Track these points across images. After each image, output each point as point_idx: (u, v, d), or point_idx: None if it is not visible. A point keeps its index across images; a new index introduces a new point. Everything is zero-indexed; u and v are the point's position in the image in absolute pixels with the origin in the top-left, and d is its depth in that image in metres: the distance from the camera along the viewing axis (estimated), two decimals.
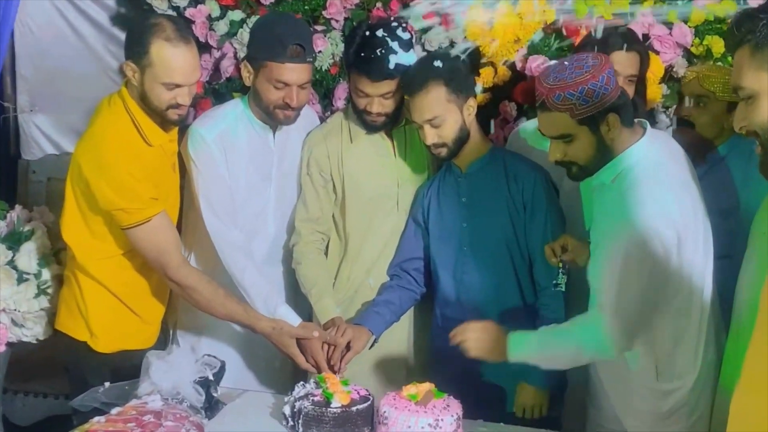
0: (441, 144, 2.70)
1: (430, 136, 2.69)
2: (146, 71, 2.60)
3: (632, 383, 2.40)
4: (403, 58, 2.74)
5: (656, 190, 2.20)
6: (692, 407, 2.34)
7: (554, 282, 2.58)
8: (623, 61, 2.73)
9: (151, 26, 2.62)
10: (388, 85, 2.76)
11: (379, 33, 2.76)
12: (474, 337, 2.47)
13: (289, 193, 2.99)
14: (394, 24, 2.83)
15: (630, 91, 2.70)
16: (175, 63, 2.58)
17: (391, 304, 2.86)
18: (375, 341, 2.82)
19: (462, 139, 2.72)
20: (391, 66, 2.72)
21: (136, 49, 2.61)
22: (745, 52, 1.49)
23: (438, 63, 2.68)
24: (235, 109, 2.89)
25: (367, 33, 2.78)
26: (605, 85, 2.23)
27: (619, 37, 2.81)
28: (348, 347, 2.72)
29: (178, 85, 2.61)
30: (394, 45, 2.73)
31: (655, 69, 3.11)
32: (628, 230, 2.19)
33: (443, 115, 2.66)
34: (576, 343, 2.37)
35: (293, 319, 2.73)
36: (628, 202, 2.21)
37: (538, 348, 2.42)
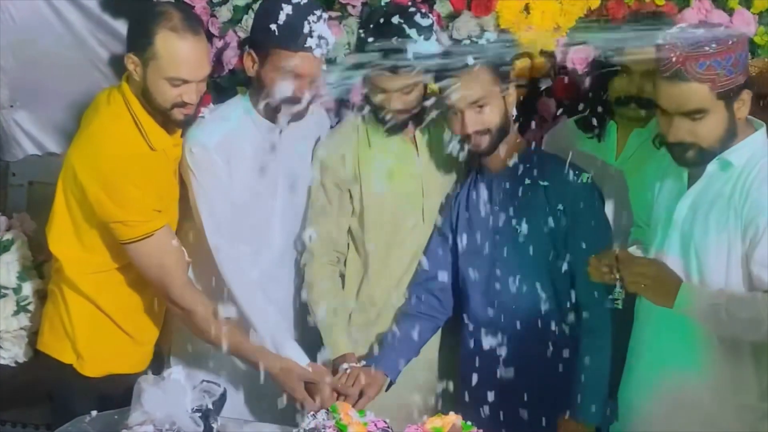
0: (484, 130, 2.69)
1: (472, 123, 2.68)
2: (149, 64, 2.61)
3: (727, 403, 2.42)
4: (422, 46, 2.73)
5: None
6: None
7: (611, 297, 2.54)
8: None
9: (156, 15, 2.64)
10: (408, 78, 2.76)
11: (395, 20, 2.75)
12: (638, 271, 2.38)
13: (297, 200, 2.98)
14: (412, 9, 2.85)
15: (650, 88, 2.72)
16: (181, 56, 2.59)
17: (410, 339, 2.85)
18: (391, 384, 2.81)
19: (504, 128, 2.73)
20: (410, 56, 2.71)
21: (138, 40, 2.63)
22: None
23: (482, 42, 2.73)
24: (237, 108, 2.88)
25: (382, 20, 2.78)
26: (747, 57, 2.33)
27: None
28: (360, 394, 2.72)
29: (184, 81, 2.61)
30: (412, 32, 2.73)
31: None
32: None
33: (488, 98, 2.67)
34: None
35: (301, 359, 2.74)
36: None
37: (714, 302, 2.34)
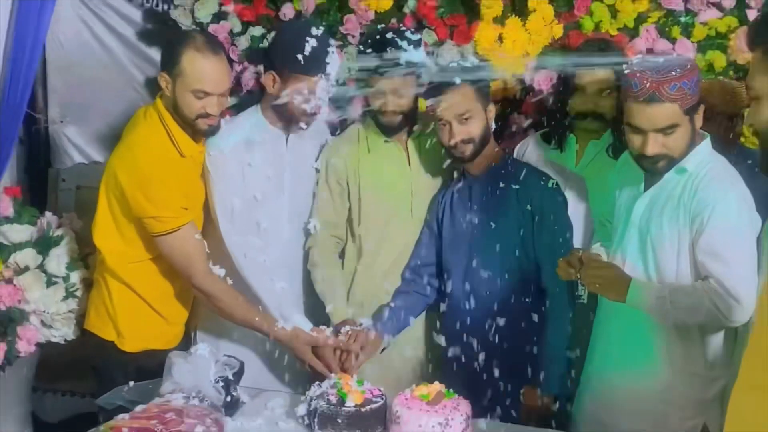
0: (469, 139, 2.71)
1: (459, 132, 2.69)
2: (177, 80, 2.64)
3: (679, 372, 2.47)
4: (413, 55, 2.80)
5: (736, 174, 2.39)
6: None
7: (577, 294, 2.57)
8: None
9: (183, 38, 2.69)
10: (401, 81, 2.79)
11: (389, 35, 2.82)
12: (593, 274, 2.42)
13: (302, 198, 2.99)
14: (403, 28, 2.94)
15: (605, 104, 2.84)
16: (203, 71, 2.62)
17: (404, 309, 2.86)
18: (387, 346, 2.83)
19: (485, 139, 2.74)
20: (401, 62, 2.76)
21: (169, 60, 2.66)
22: (757, 55, 1.50)
23: (467, 64, 2.76)
24: (250, 118, 2.89)
25: (378, 36, 2.85)
26: (701, 77, 2.39)
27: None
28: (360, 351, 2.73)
29: (207, 93, 2.63)
30: (404, 44, 2.78)
31: None
32: (738, 203, 2.34)
33: (472, 111, 2.69)
34: (707, 303, 2.33)
35: (307, 326, 2.75)
36: (725, 182, 2.36)
37: (660, 295, 2.38)
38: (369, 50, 2.82)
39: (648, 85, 2.31)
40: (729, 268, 2.32)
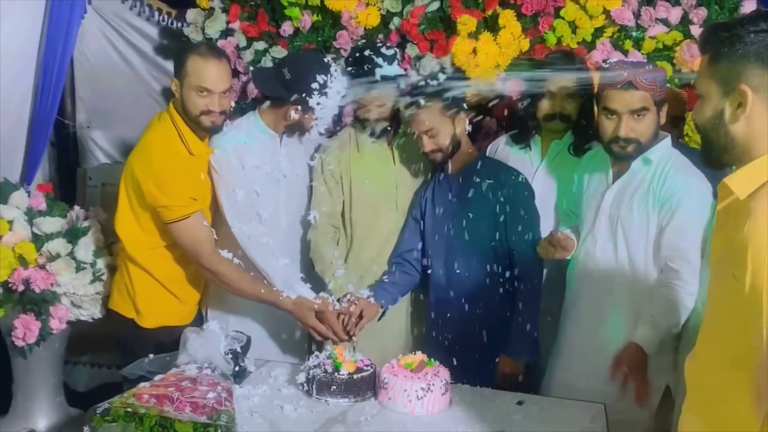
0: (437, 149, 2.72)
1: (427, 144, 2.71)
2: (184, 82, 2.65)
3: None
4: (388, 70, 2.80)
5: (695, 169, 2.43)
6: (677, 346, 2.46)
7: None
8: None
9: (189, 47, 2.73)
10: (379, 94, 2.79)
11: (366, 53, 2.81)
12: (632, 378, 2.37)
13: (296, 191, 2.98)
14: (379, 44, 2.91)
15: (570, 107, 2.84)
16: (204, 71, 2.63)
17: (397, 284, 2.86)
18: (383, 314, 2.81)
19: (454, 147, 2.73)
20: (377, 77, 2.77)
21: (178, 66, 2.68)
22: (704, 60, 1.52)
23: (434, 83, 2.70)
24: (249, 121, 2.86)
25: (357, 54, 2.85)
26: (666, 78, 2.56)
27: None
28: (360, 316, 2.71)
29: (208, 91, 2.63)
30: (379, 60, 2.78)
31: None
32: (699, 196, 2.38)
33: (438, 127, 2.68)
34: (683, 302, 2.37)
35: (310, 294, 2.73)
36: (688, 175, 2.41)
37: (655, 331, 2.38)
38: (350, 68, 2.84)
39: (626, 74, 2.42)
40: (688, 262, 2.38)
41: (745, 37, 1.42)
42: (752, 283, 1.28)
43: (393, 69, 2.82)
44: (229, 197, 2.77)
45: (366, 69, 2.78)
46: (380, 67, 2.78)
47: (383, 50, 2.82)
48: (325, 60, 2.84)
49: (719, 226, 1.45)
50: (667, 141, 2.52)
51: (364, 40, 3.42)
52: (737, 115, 1.43)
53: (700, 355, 1.46)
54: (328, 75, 2.74)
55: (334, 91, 2.75)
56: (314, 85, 2.71)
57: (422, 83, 2.72)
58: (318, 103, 2.73)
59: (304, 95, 2.72)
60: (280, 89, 2.74)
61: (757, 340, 1.27)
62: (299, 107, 2.74)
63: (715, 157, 1.50)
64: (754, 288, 1.27)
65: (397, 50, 2.94)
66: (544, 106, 2.88)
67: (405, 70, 2.92)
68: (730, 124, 1.44)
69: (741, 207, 1.37)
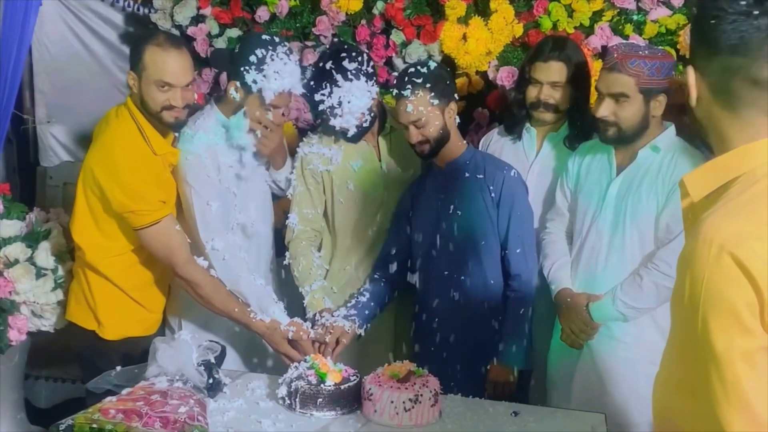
0: (424, 141, 2.70)
1: (414, 136, 2.70)
2: (142, 76, 2.61)
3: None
4: (351, 89, 2.70)
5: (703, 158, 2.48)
6: None
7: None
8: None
9: (145, 36, 2.66)
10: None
11: (328, 65, 2.73)
12: (567, 329, 2.66)
13: (275, 193, 2.97)
14: (343, 54, 2.75)
15: (556, 96, 2.84)
16: (165, 64, 2.58)
17: (376, 297, 2.84)
18: (361, 335, 2.78)
19: (443, 138, 2.71)
20: (340, 101, 2.71)
21: (134, 59, 2.63)
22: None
23: (423, 70, 2.67)
24: (210, 117, 2.77)
25: (321, 64, 2.78)
26: (669, 71, 2.51)
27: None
28: (336, 342, 2.69)
29: (169, 85, 2.59)
30: (339, 77, 2.70)
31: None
32: None
33: (426, 118, 2.66)
34: (655, 285, 2.49)
35: (284, 319, 2.71)
36: (698, 159, 2.46)
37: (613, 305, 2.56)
38: (312, 83, 2.77)
39: (615, 56, 2.50)
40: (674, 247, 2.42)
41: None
42: (690, 303, 1.20)
43: (359, 84, 2.71)
44: (203, 212, 2.72)
45: (324, 87, 2.71)
46: (339, 87, 2.69)
47: (345, 63, 2.70)
48: (275, 39, 2.73)
49: (685, 227, 1.39)
50: (671, 130, 2.59)
51: (344, 25, 3.43)
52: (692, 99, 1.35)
53: (660, 373, 1.40)
54: (268, 51, 2.63)
55: (272, 70, 2.63)
56: (252, 58, 2.62)
57: (411, 70, 2.69)
58: (254, 81, 2.64)
59: (242, 69, 2.65)
60: (227, 64, 2.72)
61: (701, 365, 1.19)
62: (238, 83, 2.69)
63: (709, 144, 1.47)
64: (693, 308, 1.20)
65: (366, 54, 2.84)
66: (530, 93, 2.89)
67: (374, 81, 2.80)
68: (694, 108, 1.36)
69: (698, 211, 1.30)
